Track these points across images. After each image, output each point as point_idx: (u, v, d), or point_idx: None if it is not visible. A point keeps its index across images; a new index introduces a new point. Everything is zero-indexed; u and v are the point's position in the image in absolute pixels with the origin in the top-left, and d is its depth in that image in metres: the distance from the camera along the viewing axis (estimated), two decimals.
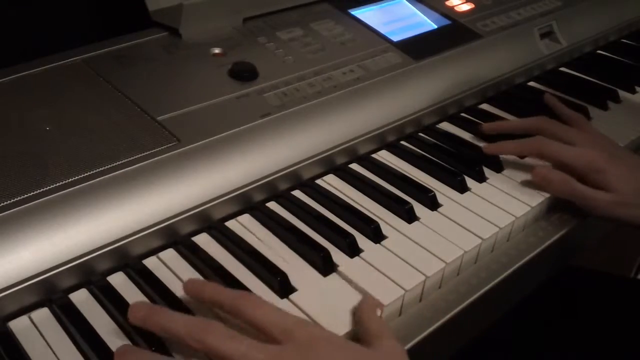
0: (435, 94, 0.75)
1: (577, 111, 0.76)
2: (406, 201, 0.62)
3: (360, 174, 0.66)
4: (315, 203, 0.62)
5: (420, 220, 0.61)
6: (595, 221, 0.68)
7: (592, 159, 0.63)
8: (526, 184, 0.66)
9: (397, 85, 0.73)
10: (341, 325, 0.49)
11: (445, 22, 0.85)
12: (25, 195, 0.51)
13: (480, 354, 0.70)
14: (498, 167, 0.69)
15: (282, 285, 0.51)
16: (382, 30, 0.80)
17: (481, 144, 0.72)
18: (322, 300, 0.51)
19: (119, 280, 0.52)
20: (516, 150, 0.69)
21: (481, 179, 0.67)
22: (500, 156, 0.69)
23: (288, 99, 0.66)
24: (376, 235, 0.58)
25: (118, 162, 0.55)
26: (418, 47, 0.78)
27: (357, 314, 0.49)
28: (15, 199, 0.50)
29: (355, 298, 0.51)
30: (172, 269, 0.53)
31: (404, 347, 0.49)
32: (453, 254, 0.56)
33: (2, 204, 0.50)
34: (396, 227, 0.59)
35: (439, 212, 0.62)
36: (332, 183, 0.65)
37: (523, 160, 0.70)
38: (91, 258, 0.51)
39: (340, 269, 0.54)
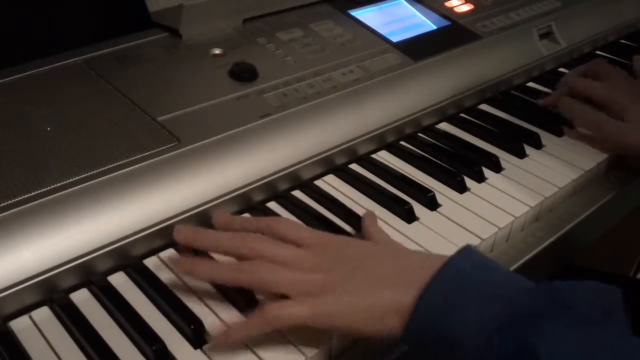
0: (435, 94, 0.75)
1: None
2: (406, 201, 0.62)
3: (360, 174, 0.66)
4: (315, 203, 0.62)
5: (419, 220, 0.61)
6: (595, 221, 0.69)
7: (614, 94, 0.72)
8: (525, 184, 0.67)
9: (396, 85, 0.73)
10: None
11: (445, 22, 0.85)
12: (25, 195, 0.51)
13: None
14: (497, 167, 0.69)
15: None
16: (382, 31, 0.80)
17: (481, 143, 0.73)
18: None
19: (119, 280, 0.52)
20: (557, 96, 0.79)
21: (480, 179, 0.67)
22: (500, 157, 0.70)
23: (288, 100, 0.66)
24: None
25: (118, 162, 0.55)
26: (417, 48, 0.79)
27: (362, 225, 0.56)
28: (15, 199, 0.50)
29: None
30: (172, 269, 0.53)
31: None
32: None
33: (2, 204, 0.50)
34: (396, 227, 0.59)
35: (438, 212, 0.62)
36: (331, 183, 0.65)
37: (521, 161, 0.70)
38: (92, 258, 0.51)
39: None
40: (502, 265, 0.48)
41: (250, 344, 0.47)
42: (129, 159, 0.55)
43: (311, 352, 0.47)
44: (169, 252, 0.55)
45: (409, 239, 0.58)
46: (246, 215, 0.60)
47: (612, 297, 0.43)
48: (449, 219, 0.61)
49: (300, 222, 0.56)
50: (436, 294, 0.44)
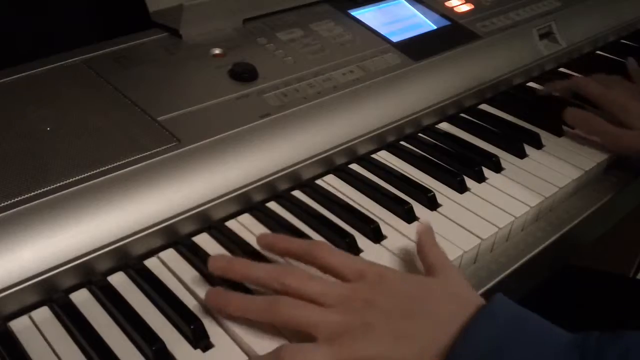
0: (435, 94, 0.75)
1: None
2: (406, 201, 0.62)
3: (360, 174, 0.66)
4: (315, 203, 0.62)
5: (419, 220, 0.61)
6: (595, 221, 0.69)
7: (616, 98, 0.72)
8: (525, 184, 0.67)
9: (396, 85, 0.73)
10: None
11: (445, 22, 0.85)
12: (25, 195, 0.51)
13: None
14: (497, 167, 0.69)
15: None
16: (382, 30, 0.80)
17: (481, 143, 0.73)
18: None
19: (119, 280, 0.52)
20: (559, 88, 0.80)
21: (480, 179, 0.67)
22: (500, 157, 0.70)
23: (288, 100, 0.66)
24: (376, 235, 0.58)
25: (118, 163, 0.55)
26: (417, 48, 0.79)
27: (418, 249, 0.53)
28: (15, 199, 0.50)
29: None
30: (172, 269, 0.54)
31: (463, 273, 0.53)
32: (452, 254, 0.56)
33: (2, 204, 0.50)
34: (396, 227, 0.59)
35: (438, 212, 0.62)
36: (332, 183, 0.65)
37: (522, 161, 0.70)
38: (91, 258, 0.51)
39: None
40: (531, 315, 0.45)
41: (249, 344, 0.47)
42: (129, 159, 0.55)
43: None
44: (169, 252, 0.55)
45: (409, 239, 0.58)
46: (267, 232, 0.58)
47: None
48: (449, 219, 0.61)
49: (343, 251, 0.51)
50: (472, 350, 0.41)
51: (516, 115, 0.79)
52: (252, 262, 0.50)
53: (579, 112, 0.73)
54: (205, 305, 0.50)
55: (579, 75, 0.81)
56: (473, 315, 0.43)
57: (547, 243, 0.62)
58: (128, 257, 0.53)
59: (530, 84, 0.88)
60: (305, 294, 0.46)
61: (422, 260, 0.52)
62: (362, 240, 0.57)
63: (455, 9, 0.89)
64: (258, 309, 0.46)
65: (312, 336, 0.45)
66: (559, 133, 0.75)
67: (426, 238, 0.53)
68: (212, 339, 0.47)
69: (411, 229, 0.59)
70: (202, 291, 0.51)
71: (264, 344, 0.47)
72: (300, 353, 0.43)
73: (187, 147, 0.58)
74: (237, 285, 0.51)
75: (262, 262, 0.52)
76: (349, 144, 0.67)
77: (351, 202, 0.62)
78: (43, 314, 0.49)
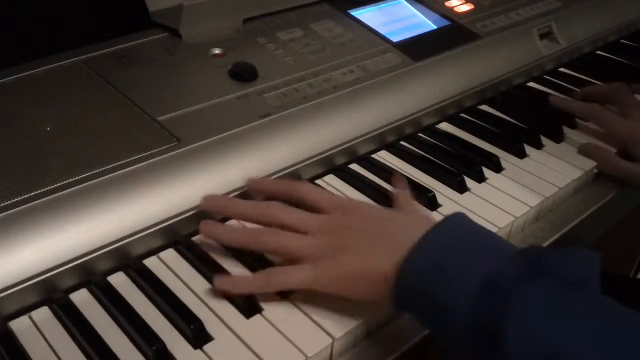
0: (435, 94, 0.75)
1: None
2: None
3: (360, 174, 0.66)
4: None
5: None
6: (595, 221, 0.68)
7: (631, 132, 0.71)
8: (525, 184, 0.66)
9: (396, 85, 0.73)
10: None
11: (445, 22, 0.85)
12: (25, 195, 0.51)
13: None
14: (497, 167, 0.69)
15: None
16: (382, 30, 0.80)
17: (481, 143, 0.73)
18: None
19: (119, 280, 0.52)
20: (575, 110, 0.78)
21: (480, 179, 0.67)
22: (500, 157, 0.70)
23: (288, 100, 0.66)
24: None
25: (118, 162, 0.55)
26: (417, 48, 0.79)
27: (392, 194, 0.59)
28: (15, 199, 0.50)
29: None
30: (172, 269, 0.53)
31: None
32: None
33: (2, 204, 0.50)
34: None
35: (438, 212, 0.62)
36: (332, 183, 0.65)
37: (522, 161, 0.70)
38: (91, 258, 0.51)
39: None
40: (489, 230, 0.49)
41: (250, 344, 0.47)
42: (129, 159, 0.55)
43: (311, 351, 0.47)
44: (169, 252, 0.55)
45: None
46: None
47: (590, 265, 0.43)
48: None
49: (324, 189, 0.58)
50: (423, 257, 0.45)
51: (516, 115, 0.79)
52: (240, 199, 0.57)
53: (597, 149, 0.72)
54: (205, 306, 0.50)
55: (594, 105, 0.78)
56: (433, 226, 0.47)
57: (547, 243, 0.62)
58: (128, 257, 0.53)
59: (531, 84, 0.88)
60: (288, 223, 0.51)
61: (394, 204, 0.57)
62: None
63: (455, 9, 0.89)
64: (245, 237, 0.52)
65: (297, 261, 0.49)
66: (558, 133, 0.75)
67: (401, 187, 0.59)
68: (213, 334, 0.48)
69: None
70: (202, 291, 0.51)
71: (263, 345, 0.47)
72: (285, 272, 0.49)
73: (187, 147, 0.58)
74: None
75: (259, 264, 0.53)
76: (349, 144, 0.67)
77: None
78: (43, 314, 0.49)
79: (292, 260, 0.50)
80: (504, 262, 0.44)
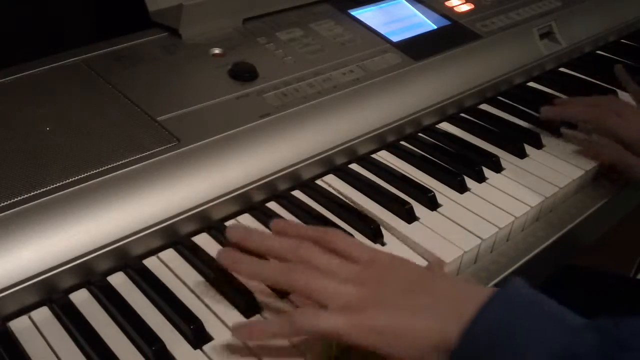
0: (435, 94, 0.75)
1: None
2: (406, 201, 0.62)
3: (360, 174, 0.66)
4: (315, 203, 0.62)
5: (419, 220, 0.61)
6: (595, 221, 0.68)
7: (630, 134, 0.68)
8: (525, 184, 0.66)
9: (396, 85, 0.73)
10: None
11: (445, 22, 0.85)
12: (25, 195, 0.51)
13: None
14: (497, 167, 0.69)
15: None
16: (382, 30, 0.80)
17: (482, 143, 0.73)
18: None
19: (119, 280, 0.52)
20: (575, 116, 0.74)
21: (481, 179, 0.67)
22: (500, 157, 0.70)
23: (288, 99, 0.66)
24: (376, 235, 0.58)
25: (118, 162, 0.55)
26: (418, 48, 0.78)
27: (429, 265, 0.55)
28: (15, 199, 0.50)
29: None
30: (172, 269, 0.53)
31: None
32: (452, 254, 0.56)
33: (2, 204, 0.50)
34: (396, 227, 0.59)
35: (438, 212, 0.62)
36: (332, 183, 0.65)
37: (522, 161, 0.70)
38: (91, 258, 0.51)
39: None
40: (548, 298, 0.44)
41: (249, 344, 0.47)
42: (129, 159, 0.55)
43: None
44: (169, 252, 0.55)
45: (409, 238, 0.58)
46: (256, 227, 0.58)
47: None
48: (449, 219, 0.61)
49: (354, 238, 0.53)
50: (486, 326, 0.41)
51: (516, 115, 0.79)
52: (268, 234, 0.51)
53: (604, 145, 0.71)
54: (205, 306, 0.50)
55: (594, 107, 0.75)
56: (490, 294, 0.43)
57: (547, 243, 0.62)
58: (128, 257, 0.53)
59: (531, 83, 0.88)
60: (320, 266, 0.47)
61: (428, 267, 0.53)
62: (362, 240, 0.57)
63: (455, 8, 0.89)
64: (273, 272, 0.47)
65: (324, 306, 0.45)
66: (559, 133, 0.75)
67: (438, 263, 0.55)
68: (212, 334, 0.48)
69: (411, 229, 0.59)
70: (202, 291, 0.51)
71: (263, 346, 0.47)
72: (313, 316, 0.44)
73: (187, 147, 0.58)
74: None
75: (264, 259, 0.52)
76: (349, 144, 0.67)
77: (351, 202, 0.62)
78: (43, 314, 0.49)
79: (319, 304, 0.46)
80: (573, 335, 0.41)
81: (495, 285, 0.57)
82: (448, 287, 0.46)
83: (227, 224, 0.58)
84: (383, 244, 0.58)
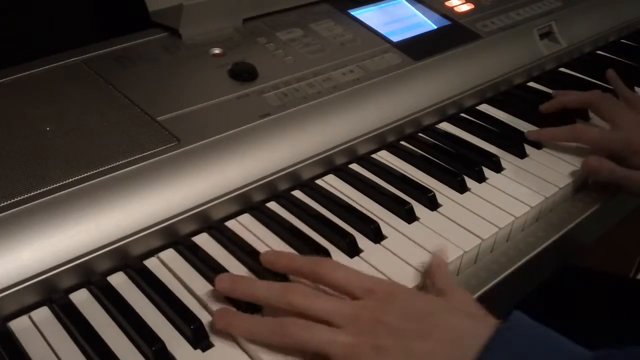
0: (435, 94, 0.75)
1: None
2: (406, 201, 0.62)
3: (360, 174, 0.66)
4: (315, 203, 0.62)
5: (419, 220, 0.61)
6: (595, 221, 0.68)
7: (629, 142, 0.67)
8: (525, 184, 0.66)
9: (396, 85, 0.73)
10: None
11: (445, 22, 0.85)
12: (25, 195, 0.51)
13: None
14: (497, 167, 0.69)
15: None
16: (382, 30, 0.80)
17: (482, 143, 0.73)
18: None
19: (119, 281, 0.52)
20: (557, 138, 0.73)
21: (481, 179, 0.67)
22: (500, 157, 0.70)
23: (288, 99, 0.66)
24: (376, 235, 0.58)
25: (118, 162, 0.55)
26: (418, 48, 0.78)
27: (426, 272, 0.53)
28: (15, 199, 0.50)
29: None
30: (172, 269, 0.53)
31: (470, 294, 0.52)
32: (452, 254, 0.56)
33: (2, 204, 0.50)
34: (396, 227, 0.59)
35: (438, 212, 0.62)
36: (332, 183, 0.65)
37: (522, 161, 0.70)
38: (91, 258, 0.51)
39: None
40: (550, 332, 0.44)
41: (249, 344, 0.47)
42: (129, 159, 0.55)
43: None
44: (169, 252, 0.55)
45: (409, 239, 0.58)
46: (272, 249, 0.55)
47: None
48: (449, 219, 0.61)
49: (350, 267, 0.49)
50: None
51: (517, 115, 0.79)
52: (256, 281, 0.50)
53: (598, 162, 0.68)
54: (205, 305, 0.50)
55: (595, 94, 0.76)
56: (492, 333, 0.42)
57: (547, 243, 0.62)
58: (128, 257, 0.53)
59: (531, 83, 0.88)
60: (313, 313, 0.45)
61: (432, 285, 0.52)
62: (362, 240, 0.57)
63: (455, 8, 0.89)
64: (266, 331, 0.46)
65: (325, 356, 0.44)
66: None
67: (438, 265, 0.53)
68: (212, 339, 0.47)
69: (411, 229, 0.59)
70: (202, 291, 0.51)
71: (266, 347, 0.47)
72: (307, 334, 0.44)
73: (187, 147, 0.58)
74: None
75: (259, 264, 0.52)
76: (349, 144, 0.67)
77: (351, 202, 0.62)
78: (43, 314, 0.49)
79: (320, 356, 0.44)
80: None
81: (495, 285, 0.57)
82: (449, 324, 0.45)
83: (227, 224, 0.58)
84: (383, 243, 0.58)
